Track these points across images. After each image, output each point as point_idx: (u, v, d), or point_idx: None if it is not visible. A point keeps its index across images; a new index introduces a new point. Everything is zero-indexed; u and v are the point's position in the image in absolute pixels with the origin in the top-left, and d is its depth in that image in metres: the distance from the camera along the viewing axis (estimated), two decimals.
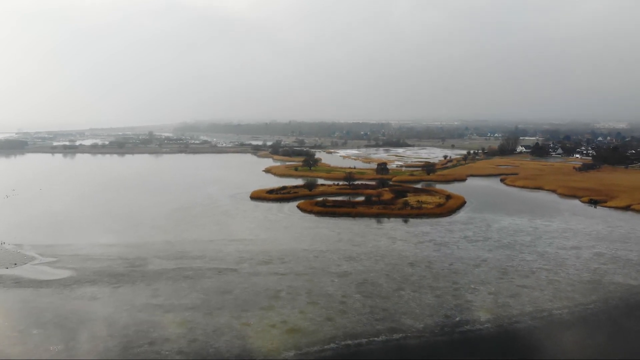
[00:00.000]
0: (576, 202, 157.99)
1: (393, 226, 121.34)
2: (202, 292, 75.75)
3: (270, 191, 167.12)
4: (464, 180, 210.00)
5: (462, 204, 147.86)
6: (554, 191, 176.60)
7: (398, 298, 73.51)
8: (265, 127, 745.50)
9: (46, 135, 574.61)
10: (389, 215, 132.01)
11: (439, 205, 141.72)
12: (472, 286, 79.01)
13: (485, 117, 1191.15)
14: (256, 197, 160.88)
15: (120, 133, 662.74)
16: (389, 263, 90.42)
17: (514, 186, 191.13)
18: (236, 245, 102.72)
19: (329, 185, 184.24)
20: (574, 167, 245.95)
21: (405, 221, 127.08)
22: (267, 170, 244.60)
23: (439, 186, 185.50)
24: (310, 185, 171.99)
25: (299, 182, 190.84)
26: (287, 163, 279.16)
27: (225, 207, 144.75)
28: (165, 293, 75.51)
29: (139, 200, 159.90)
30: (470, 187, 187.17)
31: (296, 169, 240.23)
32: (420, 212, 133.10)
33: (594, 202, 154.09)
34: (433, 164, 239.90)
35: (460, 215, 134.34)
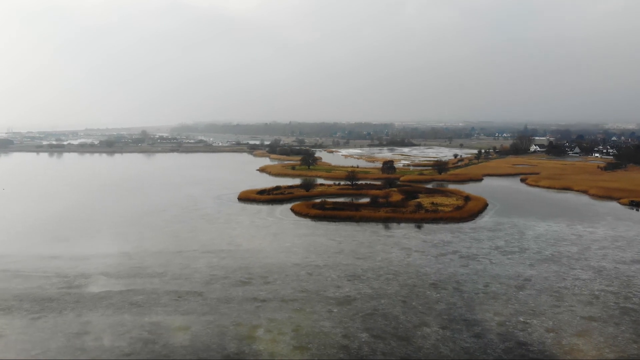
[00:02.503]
0: (614, 204, 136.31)
1: (405, 233, 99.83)
2: (147, 329, 54.31)
3: (262, 191, 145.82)
4: (480, 180, 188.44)
5: (484, 206, 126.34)
6: (585, 192, 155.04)
7: (422, 339, 51.99)
8: (265, 127, 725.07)
9: (37, 135, 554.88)
10: (399, 220, 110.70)
11: (458, 207, 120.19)
12: (521, 319, 57.52)
13: (489, 118, 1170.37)
14: (244, 198, 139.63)
15: (114, 133, 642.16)
16: (405, 284, 68.91)
17: (538, 186, 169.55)
18: (209, 258, 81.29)
19: (329, 186, 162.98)
20: (599, 167, 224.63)
21: (419, 227, 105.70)
22: (262, 170, 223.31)
23: (453, 186, 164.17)
24: (307, 185, 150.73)
25: (296, 182, 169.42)
26: (285, 162, 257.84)
27: (205, 210, 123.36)
28: (97, 330, 54.15)
29: (108, 202, 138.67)
30: (489, 188, 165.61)
31: (293, 168, 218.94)
32: (437, 216, 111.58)
33: (635, 205, 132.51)
34: (445, 162, 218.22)
35: (485, 220, 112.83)
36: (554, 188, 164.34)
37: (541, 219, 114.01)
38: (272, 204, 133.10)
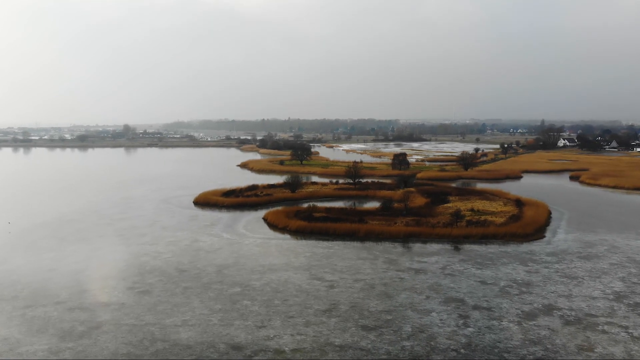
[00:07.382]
0: None
1: (444, 263, 59.24)
2: None
3: (229, 192, 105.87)
4: (519, 177, 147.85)
5: (548, 215, 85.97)
6: None
7: None
8: (262, 124, 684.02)
9: (17, 131, 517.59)
10: (425, 237, 70.54)
11: (514, 217, 79.77)
12: None
13: (497, 115, 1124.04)
14: (203, 202, 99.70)
15: (100, 129, 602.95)
16: None
17: (598, 185, 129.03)
18: (54, 327, 41.02)
19: (324, 184, 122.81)
20: None
21: (457, 249, 65.40)
22: (243, 165, 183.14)
23: (486, 186, 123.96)
24: (293, 184, 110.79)
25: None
26: (275, 157, 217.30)
27: (134, 221, 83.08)
28: None
29: (10, 206, 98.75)
30: (535, 187, 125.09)
31: (282, 163, 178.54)
32: (488, 232, 71.19)
33: None
34: (472, 155, 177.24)
35: (561, 237, 72.27)
36: (622, 188, 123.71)
37: None
38: (240, 210, 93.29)
